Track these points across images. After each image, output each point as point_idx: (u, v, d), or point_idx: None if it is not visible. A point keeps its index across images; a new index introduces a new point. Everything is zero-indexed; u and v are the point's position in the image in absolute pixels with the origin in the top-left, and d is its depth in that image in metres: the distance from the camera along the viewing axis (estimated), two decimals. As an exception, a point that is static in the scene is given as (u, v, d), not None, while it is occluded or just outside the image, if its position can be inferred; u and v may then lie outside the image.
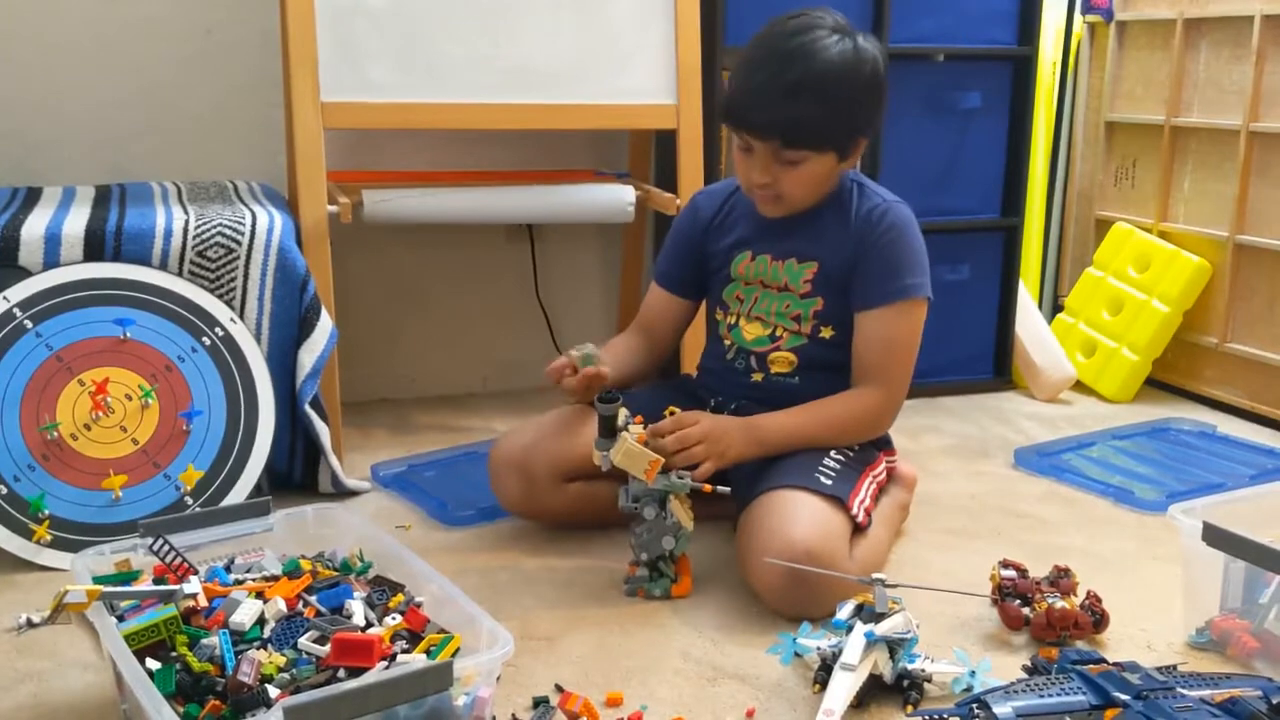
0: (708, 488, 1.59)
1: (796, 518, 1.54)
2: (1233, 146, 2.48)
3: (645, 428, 1.61)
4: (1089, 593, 1.51)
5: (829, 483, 1.61)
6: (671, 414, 1.64)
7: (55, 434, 1.69)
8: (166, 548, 1.31)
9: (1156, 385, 2.67)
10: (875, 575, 1.38)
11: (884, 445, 1.83)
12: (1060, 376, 2.61)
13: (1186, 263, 2.56)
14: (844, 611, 1.36)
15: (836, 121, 1.65)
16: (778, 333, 1.76)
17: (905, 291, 1.71)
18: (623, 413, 1.59)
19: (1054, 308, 2.94)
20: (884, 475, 1.79)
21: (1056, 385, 2.60)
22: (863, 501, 1.65)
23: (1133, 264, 2.67)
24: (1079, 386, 2.66)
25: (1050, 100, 2.83)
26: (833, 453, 1.69)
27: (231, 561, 1.40)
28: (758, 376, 1.78)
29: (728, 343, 1.82)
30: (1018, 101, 2.56)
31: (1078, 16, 2.85)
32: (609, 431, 1.58)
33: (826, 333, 1.75)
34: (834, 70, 1.62)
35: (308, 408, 1.89)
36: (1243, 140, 2.45)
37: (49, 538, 1.66)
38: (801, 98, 1.61)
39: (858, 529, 1.63)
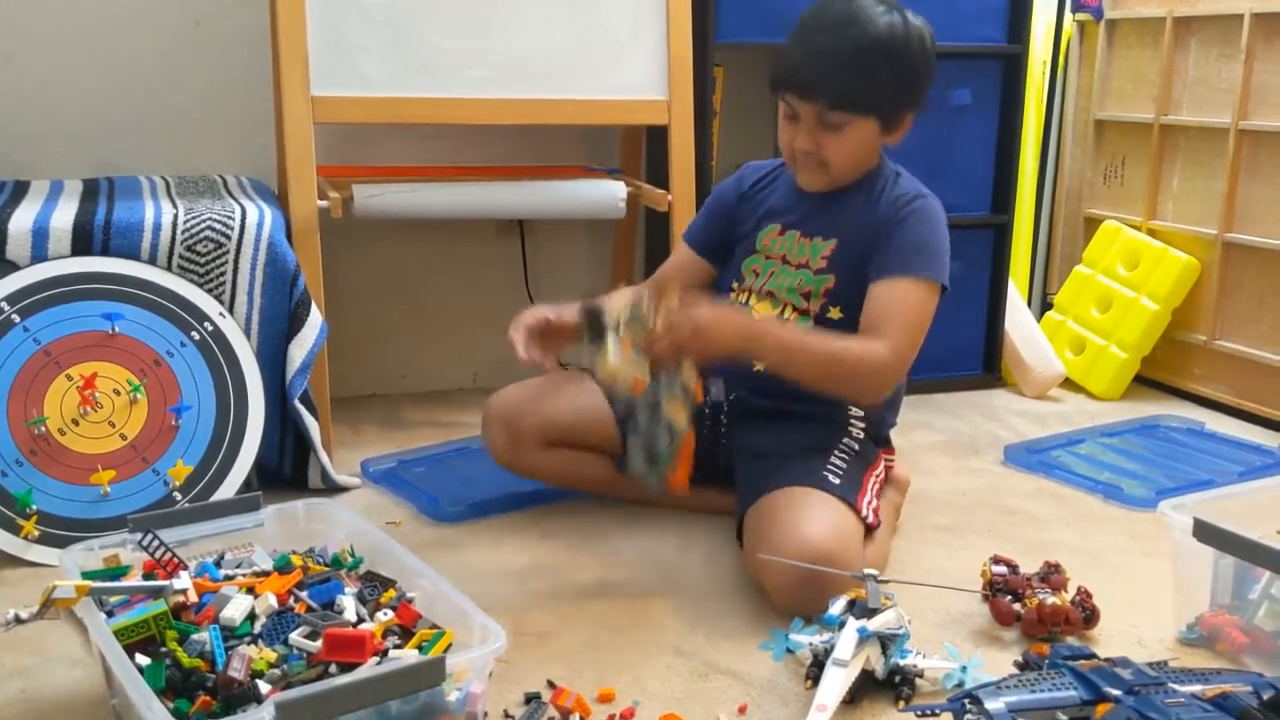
0: (698, 388, 1.57)
1: (810, 517, 1.53)
2: (1222, 144, 2.49)
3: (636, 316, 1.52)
4: (1079, 589, 1.52)
5: (837, 482, 1.61)
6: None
7: (43, 429, 1.68)
8: (156, 543, 1.30)
9: (1145, 382, 2.67)
10: (867, 571, 1.38)
11: (883, 443, 1.82)
12: (1049, 374, 2.61)
13: (1175, 260, 2.56)
14: (836, 607, 1.36)
15: (880, 86, 1.65)
16: (785, 314, 1.75)
17: (922, 268, 1.68)
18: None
19: (1043, 305, 2.95)
20: (883, 474, 1.79)
21: (1046, 382, 2.61)
22: (870, 502, 1.65)
23: (1122, 262, 2.68)
24: (1068, 384, 2.66)
25: (1040, 98, 2.84)
26: (836, 452, 1.68)
27: (221, 557, 1.40)
28: (760, 365, 1.77)
29: None
30: (1008, 99, 2.56)
31: (1067, 15, 2.85)
32: (597, 334, 1.53)
33: (834, 313, 1.72)
34: (880, 38, 1.63)
35: (297, 403, 1.89)
36: (1232, 138, 2.45)
37: (37, 533, 1.65)
38: (846, 60, 1.63)
39: (867, 530, 1.63)
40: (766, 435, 1.75)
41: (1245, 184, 2.46)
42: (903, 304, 1.66)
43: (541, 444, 1.78)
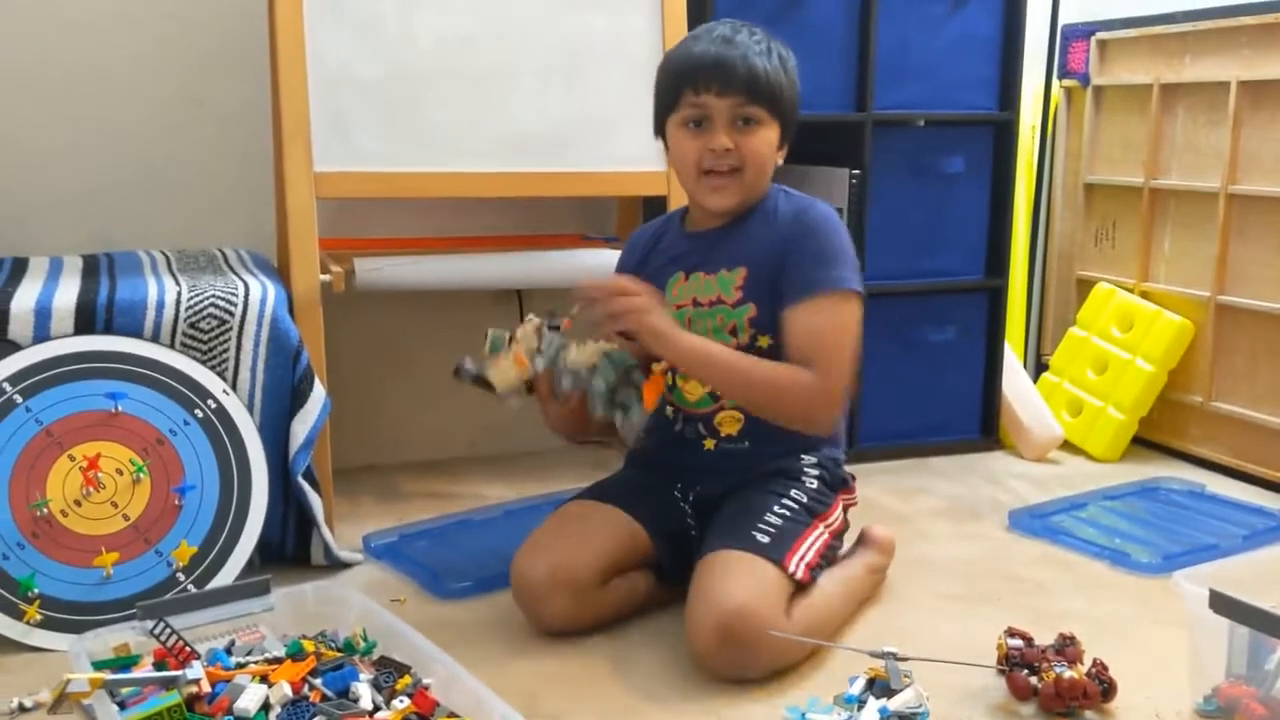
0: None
1: (727, 580, 1.52)
2: (1212, 208, 2.52)
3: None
4: (1095, 661, 1.51)
5: (766, 541, 1.59)
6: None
7: (45, 511, 1.66)
8: (167, 631, 1.28)
9: (1143, 444, 2.68)
10: (886, 649, 1.37)
11: (840, 485, 1.79)
12: (1048, 436, 2.62)
13: (1169, 322, 2.58)
14: (855, 686, 1.35)
15: (785, 89, 1.69)
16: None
17: (831, 283, 1.67)
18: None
19: (1038, 367, 2.96)
20: (839, 522, 1.76)
21: (1044, 445, 2.62)
22: (803, 558, 1.61)
23: (1116, 324, 2.70)
24: (1066, 445, 2.67)
25: (1030, 163, 2.88)
26: (776, 506, 1.65)
27: (232, 644, 1.38)
28: (709, 444, 1.76)
29: (670, 412, 1.79)
30: (999, 165, 2.59)
31: (1055, 80, 2.90)
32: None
33: (764, 341, 1.71)
34: (777, 47, 1.70)
35: (301, 479, 1.87)
36: (1221, 202, 2.49)
37: (39, 618, 1.62)
38: (760, 56, 1.66)
39: (801, 587, 1.59)
40: (722, 514, 1.71)
41: (1236, 247, 2.49)
42: (819, 330, 1.66)
43: (600, 586, 1.66)
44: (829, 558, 1.71)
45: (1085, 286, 2.86)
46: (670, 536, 1.75)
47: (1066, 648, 1.52)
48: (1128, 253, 2.78)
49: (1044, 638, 1.56)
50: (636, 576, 1.72)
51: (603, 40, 2.20)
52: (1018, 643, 1.53)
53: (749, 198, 1.73)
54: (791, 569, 1.58)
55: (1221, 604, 1.39)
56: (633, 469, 1.89)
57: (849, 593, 1.73)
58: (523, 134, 2.14)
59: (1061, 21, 2.87)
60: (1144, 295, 2.70)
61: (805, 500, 1.70)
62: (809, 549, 1.64)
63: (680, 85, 1.68)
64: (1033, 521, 2.15)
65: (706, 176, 1.70)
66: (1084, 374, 2.72)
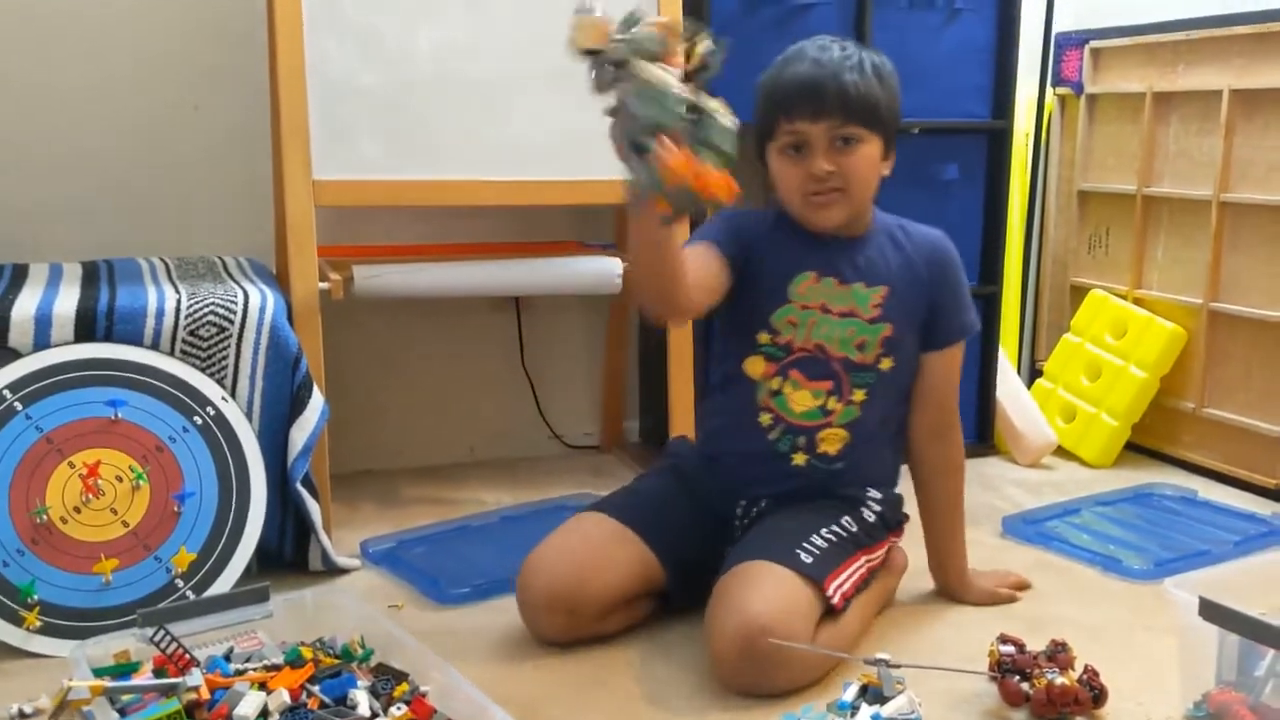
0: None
1: (760, 591, 1.50)
2: (1204, 216, 2.53)
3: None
4: (1086, 667, 1.52)
5: (809, 560, 1.57)
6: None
7: (45, 518, 1.67)
8: (167, 639, 1.29)
9: (1136, 450, 2.69)
10: (879, 656, 1.39)
11: (895, 525, 1.80)
12: (1042, 442, 2.63)
13: (1162, 329, 2.60)
14: (849, 693, 1.36)
15: (882, 100, 1.66)
16: (829, 405, 1.71)
17: (968, 329, 1.80)
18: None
19: (1032, 373, 2.98)
20: (879, 561, 1.75)
21: (1038, 451, 2.63)
22: (841, 585, 1.60)
23: (1109, 330, 2.72)
24: (1060, 451, 2.69)
25: (1024, 170, 2.89)
26: (824, 531, 1.64)
27: (231, 651, 1.39)
28: (800, 459, 1.72)
29: (767, 420, 1.72)
30: (994, 173, 2.61)
31: (1049, 89, 2.92)
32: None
33: (886, 364, 1.71)
34: (868, 57, 1.67)
35: (299, 486, 1.88)
36: (1214, 210, 2.50)
37: (39, 624, 1.63)
38: (851, 74, 1.63)
39: (831, 611, 1.58)
40: (764, 525, 1.69)
41: (1229, 254, 2.51)
42: (952, 374, 1.80)
43: (602, 614, 1.64)
44: (861, 590, 1.69)
45: (1079, 293, 2.88)
46: (683, 565, 1.70)
47: (1058, 654, 1.54)
48: (1121, 260, 2.80)
49: (1036, 644, 1.58)
50: (642, 602, 1.71)
51: (600, 49, 2.21)
52: (1010, 649, 1.54)
53: (856, 211, 1.72)
54: (830, 593, 1.57)
55: (1211, 611, 1.40)
56: (669, 478, 1.82)
57: (867, 617, 1.72)
58: (521, 142, 2.15)
59: (1055, 30, 2.89)
60: (1137, 302, 2.72)
61: (855, 530, 1.69)
62: (848, 579, 1.63)
63: (775, 113, 1.66)
64: (1026, 527, 2.17)
65: (811, 196, 1.67)
66: (1078, 380, 2.74)
